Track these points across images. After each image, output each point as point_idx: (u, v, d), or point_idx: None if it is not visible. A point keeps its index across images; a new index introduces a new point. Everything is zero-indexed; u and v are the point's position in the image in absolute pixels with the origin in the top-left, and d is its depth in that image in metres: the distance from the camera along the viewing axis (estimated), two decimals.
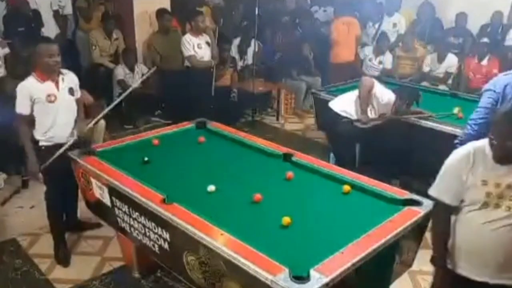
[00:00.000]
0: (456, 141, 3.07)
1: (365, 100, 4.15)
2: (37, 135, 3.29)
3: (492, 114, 2.89)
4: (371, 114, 4.22)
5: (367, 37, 7.27)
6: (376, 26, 7.20)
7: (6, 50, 5.19)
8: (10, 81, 4.70)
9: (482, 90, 3.04)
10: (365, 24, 7.28)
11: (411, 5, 7.46)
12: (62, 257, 3.45)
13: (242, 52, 6.80)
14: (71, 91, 3.35)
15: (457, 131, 3.90)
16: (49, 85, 3.22)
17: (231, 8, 7.50)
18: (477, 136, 2.95)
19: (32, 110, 3.21)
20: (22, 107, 3.21)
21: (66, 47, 6.30)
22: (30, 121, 3.25)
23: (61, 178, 3.33)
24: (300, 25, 7.44)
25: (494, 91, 2.89)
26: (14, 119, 3.34)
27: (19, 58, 5.29)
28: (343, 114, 4.26)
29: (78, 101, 3.45)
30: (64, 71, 3.34)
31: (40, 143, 3.29)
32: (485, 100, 2.93)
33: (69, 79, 3.36)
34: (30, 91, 3.18)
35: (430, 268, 3.41)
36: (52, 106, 3.22)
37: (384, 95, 4.18)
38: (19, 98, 3.21)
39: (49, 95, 3.20)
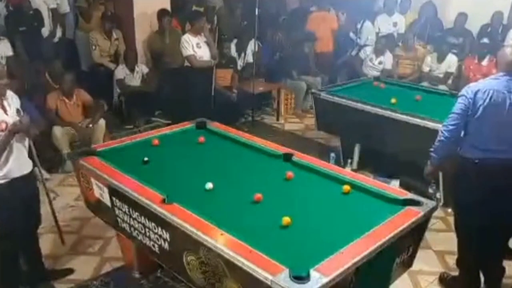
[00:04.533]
0: (431, 149, 3.02)
1: None
2: None
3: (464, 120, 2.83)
4: None
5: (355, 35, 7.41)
6: (359, 25, 7.35)
7: (9, 51, 5.16)
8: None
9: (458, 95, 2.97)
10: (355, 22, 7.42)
11: (411, 5, 7.46)
12: None
13: (241, 52, 6.80)
14: (18, 112, 2.82)
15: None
16: None
17: (230, 8, 7.49)
18: (448, 143, 2.90)
19: None
20: None
21: (67, 47, 6.35)
22: None
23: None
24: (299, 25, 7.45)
25: (466, 97, 2.83)
26: None
27: (21, 59, 5.31)
28: None
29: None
30: (7, 93, 2.82)
31: None
32: (457, 106, 2.88)
33: (13, 100, 2.85)
34: None
35: (430, 268, 3.41)
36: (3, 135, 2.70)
37: None
38: None
39: None
